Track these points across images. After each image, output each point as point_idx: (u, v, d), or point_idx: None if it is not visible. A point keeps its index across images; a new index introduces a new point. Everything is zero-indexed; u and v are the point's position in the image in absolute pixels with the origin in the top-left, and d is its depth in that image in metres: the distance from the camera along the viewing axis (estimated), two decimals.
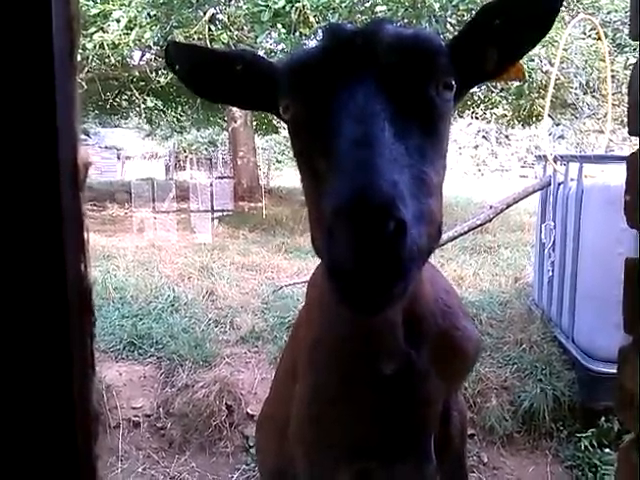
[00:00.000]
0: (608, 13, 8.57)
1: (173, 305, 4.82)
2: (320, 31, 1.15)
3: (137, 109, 15.43)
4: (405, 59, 1.05)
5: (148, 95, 12.76)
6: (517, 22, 1.16)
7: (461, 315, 1.56)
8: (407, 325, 1.39)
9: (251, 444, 3.49)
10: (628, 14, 1.01)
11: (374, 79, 1.02)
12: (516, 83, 8.37)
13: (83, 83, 8.99)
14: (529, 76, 7.77)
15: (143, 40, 8.11)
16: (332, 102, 1.03)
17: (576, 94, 8.59)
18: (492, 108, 12.43)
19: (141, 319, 4.50)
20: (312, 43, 8.66)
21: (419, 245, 0.90)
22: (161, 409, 3.68)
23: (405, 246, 0.84)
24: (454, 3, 7.03)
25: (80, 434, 0.45)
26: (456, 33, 1.24)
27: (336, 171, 0.92)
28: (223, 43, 8.02)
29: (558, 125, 11.83)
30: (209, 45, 7.85)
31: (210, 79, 1.30)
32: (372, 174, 0.86)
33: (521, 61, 1.32)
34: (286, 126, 1.21)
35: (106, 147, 24.90)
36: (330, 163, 0.97)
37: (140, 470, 3.40)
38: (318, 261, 1.68)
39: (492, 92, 9.92)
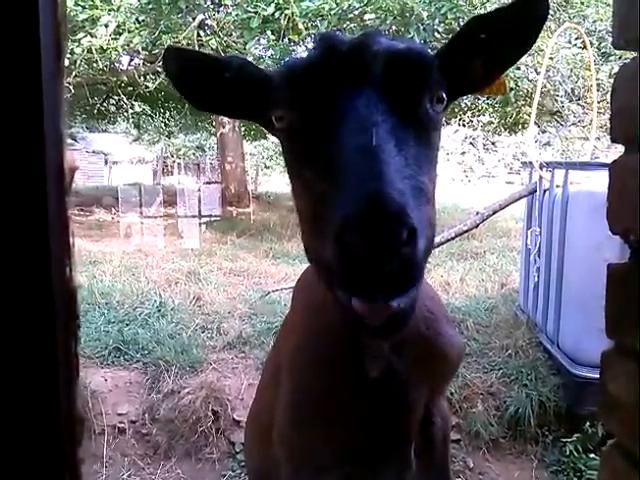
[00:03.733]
0: (594, 22, 8.67)
1: (160, 310, 4.80)
2: (315, 40, 1.16)
3: (125, 114, 15.38)
4: (401, 72, 1.07)
5: (136, 100, 12.71)
6: (504, 34, 1.19)
7: (444, 321, 1.57)
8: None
9: (237, 450, 3.48)
10: (612, 23, 1.03)
11: (372, 91, 1.05)
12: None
13: (71, 88, 8.95)
14: (516, 84, 7.84)
15: (131, 45, 8.09)
16: (330, 112, 1.04)
17: (562, 102, 8.68)
18: (479, 115, 12.51)
19: (127, 324, 4.48)
20: (302, 51, 8.69)
21: (424, 253, 0.94)
22: (147, 415, 3.65)
23: (417, 252, 0.87)
24: (442, 12, 7.07)
25: (64, 437, 0.45)
26: (444, 43, 1.26)
27: (342, 180, 0.94)
28: (212, 49, 8.01)
29: (544, 132, 11.94)
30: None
31: (202, 85, 1.31)
32: (383, 183, 0.88)
33: (506, 71, 1.35)
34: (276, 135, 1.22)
35: (93, 152, 24.75)
36: (333, 172, 0.98)
37: (125, 476, 3.37)
38: (305, 267, 1.69)
39: (478, 99, 10.00)
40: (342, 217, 0.87)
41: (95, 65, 8.54)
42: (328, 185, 0.99)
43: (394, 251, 0.84)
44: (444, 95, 1.15)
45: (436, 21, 7.32)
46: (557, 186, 4.05)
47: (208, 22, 9.02)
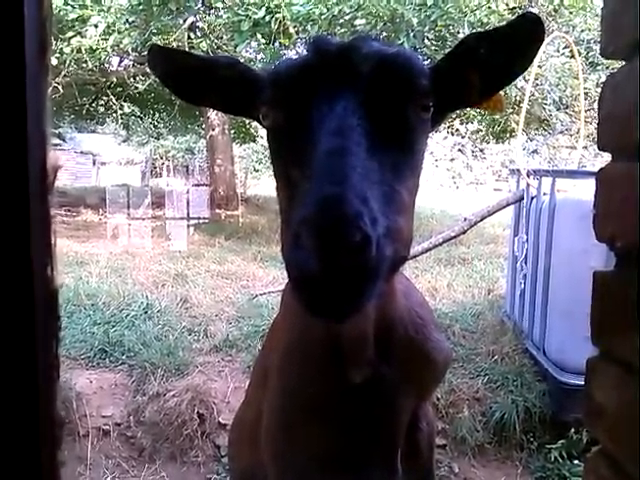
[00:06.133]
0: (582, 32, 8.75)
1: (146, 312, 4.77)
2: (306, 43, 1.16)
3: (114, 115, 15.27)
4: (385, 77, 1.07)
5: (125, 101, 12.66)
6: (501, 52, 1.19)
7: (433, 327, 1.57)
8: (379, 336, 1.40)
9: (223, 453, 3.46)
10: (600, 32, 1.04)
11: (354, 94, 1.04)
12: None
13: (60, 87, 8.89)
14: (504, 92, 7.87)
15: (121, 46, 8.06)
16: (311, 113, 1.04)
17: (549, 110, 8.74)
18: (467, 123, 12.56)
19: (113, 326, 4.45)
20: (293, 54, 8.71)
21: (383, 260, 0.90)
22: (132, 417, 3.63)
23: (367, 259, 0.85)
24: (432, 19, 7.11)
25: (44, 439, 0.45)
26: (433, 50, 1.27)
27: (308, 180, 0.93)
28: (202, 51, 8.01)
29: (532, 140, 12.02)
30: None
31: (191, 83, 1.32)
32: (341, 186, 0.87)
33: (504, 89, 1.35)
34: (265, 133, 1.22)
35: (82, 152, 24.61)
36: (303, 172, 0.98)
37: (109, 479, 3.34)
38: None
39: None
40: (299, 220, 0.86)
41: (84, 65, 8.51)
42: (298, 185, 1.00)
43: (343, 257, 0.82)
44: (430, 104, 1.14)
45: (426, 28, 7.37)
46: (544, 194, 4.08)
47: (199, 24, 9.02)
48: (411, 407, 1.56)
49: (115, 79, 10.72)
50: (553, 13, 8.75)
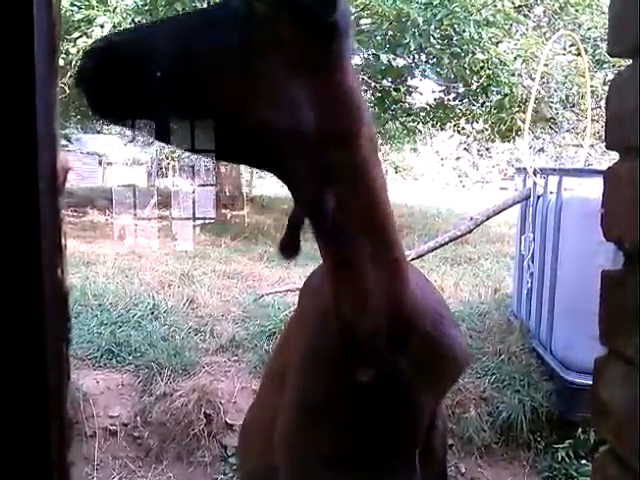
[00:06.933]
0: (588, 29, 8.73)
1: (153, 313, 4.78)
2: None
3: None
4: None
5: None
6: None
7: (452, 324, 1.57)
8: (397, 332, 1.39)
9: (229, 454, 3.47)
10: (607, 31, 1.04)
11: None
12: (498, 97, 8.47)
13: (66, 88, 8.91)
14: (510, 90, 7.85)
15: None
16: None
17: (556, 108, 8.71)
18: (473, 122, 12.52)
19: (120, 326, 4.45)
20: None
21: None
22: (138, 418, 3.64)
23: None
24: (438, 18, 7.10)
25: (54, 441, 0.45)
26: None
27: None
28: None
29: (538, 139, 11.98)
30: None
31: None
32: None
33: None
34: None
35: (88, 153, 24.66)
36: None
37: (116, 479, 3.36)
38: (300, 270, 1.68)
39: (473, 105, 10.02)
40: None
41: None
42: None
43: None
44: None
45: (432, 27, 7.34)
46: (551, 192, 4.07)
47: None
48: (430, 406, 1.56)
49: None
50: (559, 11, 8.74)
